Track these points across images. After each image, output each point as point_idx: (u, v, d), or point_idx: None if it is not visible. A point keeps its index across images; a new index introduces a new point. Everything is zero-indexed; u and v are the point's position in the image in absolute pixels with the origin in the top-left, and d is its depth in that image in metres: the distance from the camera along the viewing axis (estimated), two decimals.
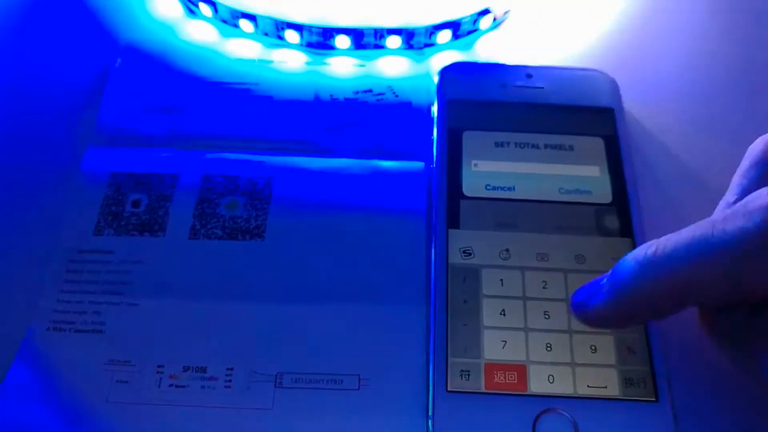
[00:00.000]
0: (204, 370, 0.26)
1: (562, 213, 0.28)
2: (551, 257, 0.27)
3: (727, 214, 0.19)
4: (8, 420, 0.24)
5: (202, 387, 0.25)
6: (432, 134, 0.31)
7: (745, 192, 0.22)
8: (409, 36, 0.33)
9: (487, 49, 0.34)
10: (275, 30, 0.34)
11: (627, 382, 0.24)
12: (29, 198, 0.30)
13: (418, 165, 0.30)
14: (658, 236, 0.26)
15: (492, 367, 0.25)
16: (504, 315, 0.26)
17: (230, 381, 0.25)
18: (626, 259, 0.21)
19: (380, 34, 0.33)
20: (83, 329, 0.26)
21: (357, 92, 0.32)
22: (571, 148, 0.30)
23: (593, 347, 0.25)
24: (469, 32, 0.34)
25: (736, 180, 0.22)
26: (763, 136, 0.23)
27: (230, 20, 0.34)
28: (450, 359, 0.25)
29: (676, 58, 0.34)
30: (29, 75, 0.34)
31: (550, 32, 0.35)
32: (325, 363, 0.26)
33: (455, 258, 0.27)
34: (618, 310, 0.21)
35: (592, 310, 0.22)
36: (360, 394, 0.25)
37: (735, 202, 0.22)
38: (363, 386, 0.25)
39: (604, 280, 0.22)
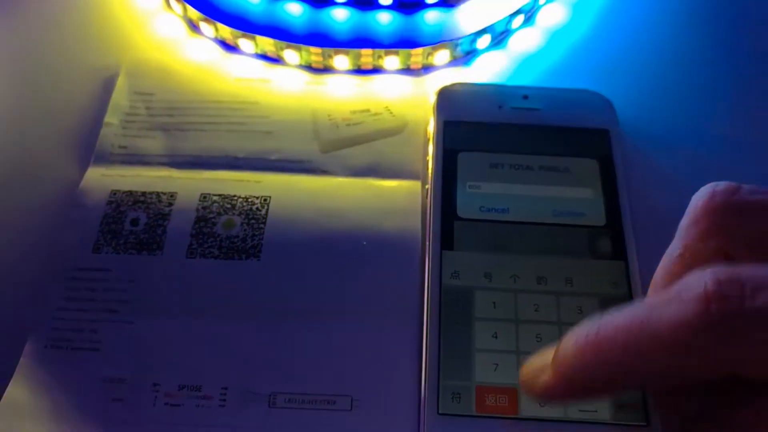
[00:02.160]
0: (199, 388, 0.26)
1: (555, 235, 0.28)
2: (544, 280, 0.27)
3: (664, 298, 0.19)
4: None
5: (197, 406, 0.26)
6: (427, 154, 0.31)
7: (687, 250, 0.21)
8: (406, 56, 0.33)
9: (484, 69, 0.35)
10: (275, 50, 0.34)
11: (618, 406, 0.24)
12: (29, 215, 0.30)
13: (414, 185, 0.31)
14: (651, 259, 0.26)
15: (483, 390, 0.25)
16: (496, 338, 0.26)
17: (225, 400, 0.26)
18: (568, 340, 0.21)
19: (378, 54, 0.33)
20: (80, 347, 0.27)
21: (354, 112, 0.33)
22: (566, 170, 0.30)
23: None
24: (467, 53, 0.35)
25: (681, 232, 0.22)
26: (707, 187, 0.21)
27: (231, 39, 0.35)
28: (442, 382, 0.25)
29: (673, 79, 0.34)
30: (30, 93, 0.34)
31: (547, 52, 0.35)
32: (319, 383, 0.26)
33: (448, 279, 0.27)
34: (561, 390, 0.21)
35: (539, 389, 0.22)
36: (352, 415, 0.25)
37: (678, 256, 0.22)
38: (355, 407, 0.25)
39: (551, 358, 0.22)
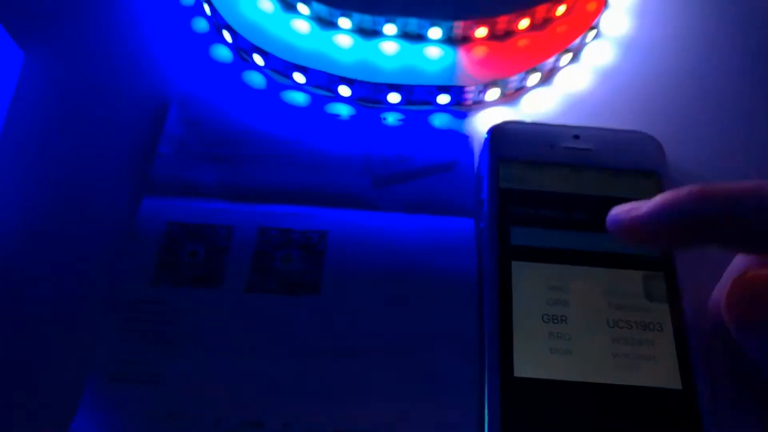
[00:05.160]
0: (261, 425, 0.26)
1: (611, 276, 0.29)
2: (602, 323, 0.28)
3: None
4: None
5: None
6: (479, 192, 0.31)
7: None
8: (458, 93, 0.34)
9: (532, 107, 0.35)
10: (327, 83, 0.34)
11: None
12: (86, 246, 0.30)
13: (466, 222, 0.31)
14: (701, 302, 0.28)
15: None
16: None
17: None
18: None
19: (430, 90, 0.34)
20: (142, 380, 0.27)
21: (405, 147, 0.33)
22: None
23: None
24: (516, 90, 0.35)
25: None
26: None
27: (283, 71, 0.35)
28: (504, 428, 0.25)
29: (723, 120, 0.35)
30: (83, 122, 0.34)
31: (594, 90, 0.36)
32: (379, 421, 0.26)
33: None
34: (658, 222, 0.24)
35: (630, 217, 0.25)
36: None
37: None
38: None
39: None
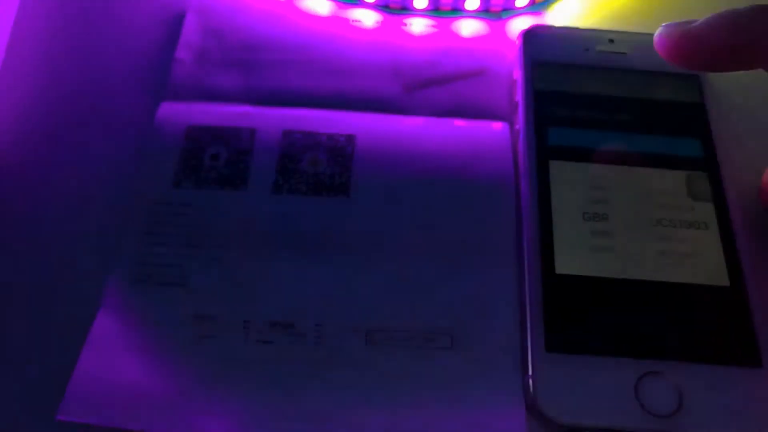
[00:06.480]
0: (291, 325, 0.25)
1: (653, 176, 0.28)
2: (644, 221, 0.27)
3: None
4: (94, 372, 0.24)
5: (291, 343, 0.25)
6: (513, 95, 0.30)
7: None
8: None
9: (562, 15, 0.34)
10: None
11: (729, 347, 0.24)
12: (106, 152, 0.29)
13: (500, 126, 0.30)
14: (744, 202, 0.27)
15: None
16: None
17: (319, 337, 0.25)
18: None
19: None
20: (166, 282, 0.26)
21: (435, 52, 0.32)
22: (657, 114, 0.29)
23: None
24: None
25: None
26: None
27: None
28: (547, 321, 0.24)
29: None
30: (98, 28, 0.33)
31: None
32: (417, 320, 0.25)
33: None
34: (714, 35, 0.23)
35: (682, 30, 0.23)
36: (453, 351, 0.25)
37: None
38: (456, 344, 0.25)
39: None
